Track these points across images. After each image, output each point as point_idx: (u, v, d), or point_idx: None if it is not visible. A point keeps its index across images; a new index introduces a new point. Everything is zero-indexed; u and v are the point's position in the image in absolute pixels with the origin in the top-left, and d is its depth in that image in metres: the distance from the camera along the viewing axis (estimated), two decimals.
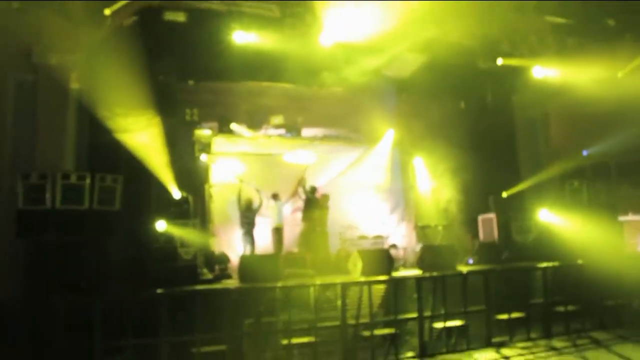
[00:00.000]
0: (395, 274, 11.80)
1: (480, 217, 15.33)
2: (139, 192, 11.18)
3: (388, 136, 16.12)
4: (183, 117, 14.24)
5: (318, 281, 10.14)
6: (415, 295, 10.28)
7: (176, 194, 12.00)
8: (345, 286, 9.75)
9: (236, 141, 14.88)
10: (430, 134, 16.22)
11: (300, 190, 14.86)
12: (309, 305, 9.94)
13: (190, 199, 12.25)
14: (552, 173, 15.51)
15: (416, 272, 12.37)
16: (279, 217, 14.26)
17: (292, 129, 15.46)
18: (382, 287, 10.99)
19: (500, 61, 13.95)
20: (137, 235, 10.87)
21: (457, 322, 10.64)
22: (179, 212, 11.91)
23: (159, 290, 9.39)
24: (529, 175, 16.11)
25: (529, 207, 15.29)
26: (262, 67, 13.40)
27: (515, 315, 11.19)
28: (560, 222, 14.32)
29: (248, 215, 13.63)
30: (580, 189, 14.93)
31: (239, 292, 9.64)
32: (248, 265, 10.97)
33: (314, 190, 14.55)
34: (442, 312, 10.59)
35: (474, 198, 15.77)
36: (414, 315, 10.32)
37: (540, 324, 11.73)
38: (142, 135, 11.56)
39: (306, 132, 15.83)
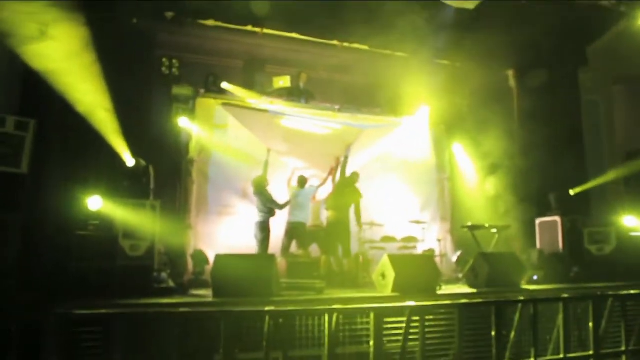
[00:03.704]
0: (446, 291, 7.66)
1: (538, 220, 11.10)
2: (66, 150, 7.02)
3: (421, 114, 11.87)
4: (159, 69, 10.15)
5: (335, 303, 5.75)
6: (493, 332, 5.90)
7: (130, 161, 7.85)
8: (379, 313, 5.44)
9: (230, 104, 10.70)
10: (474, 114, 12.11)
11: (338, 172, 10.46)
12: (318, 339, 5.73)
13: (152, 171, 8.05)
14: (635, 168, 11.42)
15: (466, 289, 8.28)
16: (301, 210, 10.05)
17: (302, 95, 11.24)
18: (437, 315, 6.57)
19: None
20: (53, 215, 6.71)
21: None
22: (132, 188, 7.73)
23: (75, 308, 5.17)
24: (596, 170, 12.16)
25: (605, 209, 11.17)
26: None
27: None
28: None
29: (269, 200, 9.63)
30: None
31: (196, 316, 5.21)
32: (225, 271, 6.84)
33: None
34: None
35: (529, 195, 11.61)
36: None
37: None
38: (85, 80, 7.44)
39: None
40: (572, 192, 11.21)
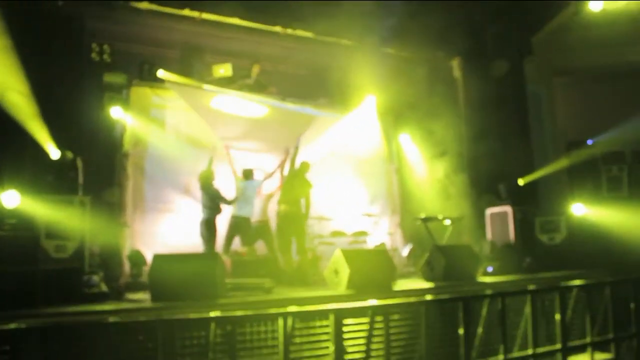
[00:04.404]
0: (402, 286, 7.13)
1: (488, 211, 10.80)
2: None
3: (368, 104, 11.34)
4: (88, 55, 9.22)
5: (288, 304, 5.09)
6: (461, 330, 5.38)
7: (54, 153, 6.94)
8: (339, 315, 4.81)
9: (165, 93, 9.86)
10: (421, 103, 11.70)
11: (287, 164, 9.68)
12: (271, 346, 5.07)
13: (80, 163, 7.15)
14: (577, 158, 11.27)
15: (422, 284, 7.81)
16: (246, 204, 9.27)
17: (255, 89, 10.47)
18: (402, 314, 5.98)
19: None
20: None
21: None
22: (58, 183, 6.83)
23: None
24: (541, 160, 12.00)
25: (552, 199, 10.98)
26: None
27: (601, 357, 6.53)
28: (598, 218, 10.04)
29: (217, 196, 8.71)
30: (620, 177, 10.68)
31: (128, 326, 4.42)
32: (164, 273, 6.08)
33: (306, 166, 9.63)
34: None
35: (477, 186, 11.29)
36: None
37: None
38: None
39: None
40: (521, 182, 10.97)
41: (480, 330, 5.60)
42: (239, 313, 4.58)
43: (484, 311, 5.62)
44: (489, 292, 5.73)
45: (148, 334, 4.22)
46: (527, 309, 5.83)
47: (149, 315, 5.22)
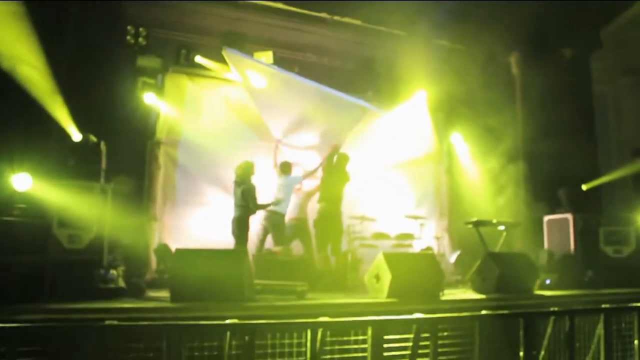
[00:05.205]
0: (449, 296, 6.32)
1: (546, 218, 9.80)
2: None
3: (418, 99, 10.47)
4: (123, 38, 8.73)
5: (321, 311, 4.33)
6: (521, 352, 4.52)
7: (76, 135, 6.40)
8: (379, 328, 4.03)
9: (202, 81, 9.26)
10: (475, 100, 10.78)
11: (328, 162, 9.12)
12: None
13: (104, 148, 6.59)
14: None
15: (471, 294, 6.99)
16: (285, 202, 8.61)
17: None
18: (452, 330, 5.09)
19: None
20: None
21: None
22: (78, 168, 6.28)
23: None
24: (606, 165, 10.95)
25: (617, 207, 9.93)
26: None
27: None
28: None
29: (249, 193, 7.97)
30: None
31: (124, 331, 3.69)
32: (187, 270, 5.45)
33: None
34: None
35: (535, 190, 10.31)
36: None
37: None
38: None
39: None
40: (584, 187, 9.94)
41: (543, 353, 4.75)
42: (261, 321, 3.86)
43: (549, 331, 4.75)
44: (554, 308, 4.85)
45: (151, 341, 3.55)
46: (600, 331, 4.93)
47: (164, 315, 4.59)
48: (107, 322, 3.37)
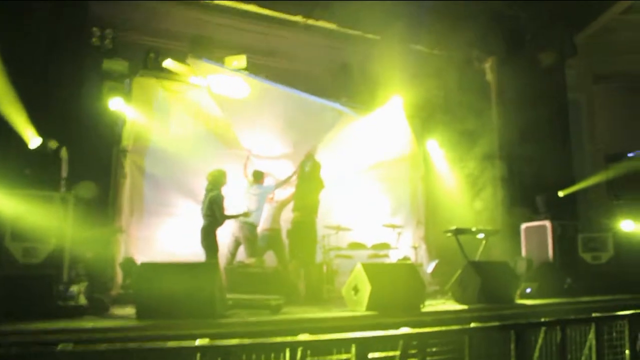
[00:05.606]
0: (430, 307, 6.05)
1: (523, 226, 9.64)
2: None
3: (394, 105, 10.20)
4: (89, 40, 8.30)
5: (299, 327, 3.97)
6: None
7: (34, 141, 5.96)
8: (364, 345, 3.70)
9: (171, 85, 8.86)
10: (451, 106, 10.60)
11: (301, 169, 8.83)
12: None
13: (64, 154, 6.15)
14: (618, 171, 10.20)
15: (453, 305, 6.74)
16: (257, 212, 8.26)
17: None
18: (440, 345, 4.74)
19: None
20: None
21: None
22: (36, 176, 5.84)
23: None
24: (580, 172, 10.88)
25: (593, 213, 9.85)
26: None
27: None
28: None
29: (216, 202, 7.46)
30: None
31: (79, 356, 3.24)
32: (153, 285, 5.06)
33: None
34: None
35: (511, 197, 10.14)
36: None
37: None
38: None
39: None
40: (561, 194, 9.82)
41: None
42: (235, 341, 3.51)
43: (540, 342, 4.50)
44: (545, 319, 4.60)
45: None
46: (591, 341, 4.69)
47: (127, 335, 4.20)
48: (61, 346, 2.98)
